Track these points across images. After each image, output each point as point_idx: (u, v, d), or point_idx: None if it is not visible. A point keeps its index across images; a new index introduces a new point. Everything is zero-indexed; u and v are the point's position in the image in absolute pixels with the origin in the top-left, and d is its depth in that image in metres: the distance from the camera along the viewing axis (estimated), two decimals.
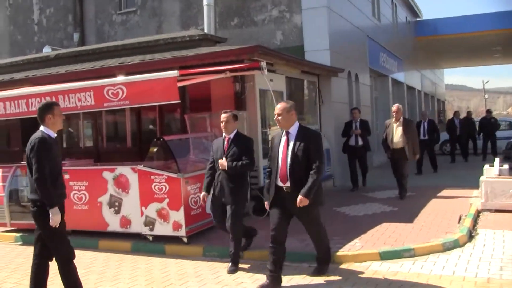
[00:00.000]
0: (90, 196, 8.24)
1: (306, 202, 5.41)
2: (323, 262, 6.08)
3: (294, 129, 5.63)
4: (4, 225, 9.05)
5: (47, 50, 15.39)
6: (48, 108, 5.13)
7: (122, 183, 7.99)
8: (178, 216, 7.47)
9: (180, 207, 7.44)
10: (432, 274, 5.83)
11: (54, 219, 4.87)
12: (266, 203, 5.86)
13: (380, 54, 18.99)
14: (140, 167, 7.82)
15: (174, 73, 7.28)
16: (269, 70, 8.47)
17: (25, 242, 8.47)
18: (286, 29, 13.45)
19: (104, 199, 8.13)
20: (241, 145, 6.48)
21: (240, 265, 6.42)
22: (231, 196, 6.38)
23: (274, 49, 11.16)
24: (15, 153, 11.67)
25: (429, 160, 15.20)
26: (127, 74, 8.68)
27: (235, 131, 6.60)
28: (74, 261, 5.18)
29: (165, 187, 7.55)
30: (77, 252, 7.56)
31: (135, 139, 11.90)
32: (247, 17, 13.87)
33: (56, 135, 5.21)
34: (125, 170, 8.01)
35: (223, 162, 6.41)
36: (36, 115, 5.22)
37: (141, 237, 7.84)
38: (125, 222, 7.99)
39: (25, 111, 8.22)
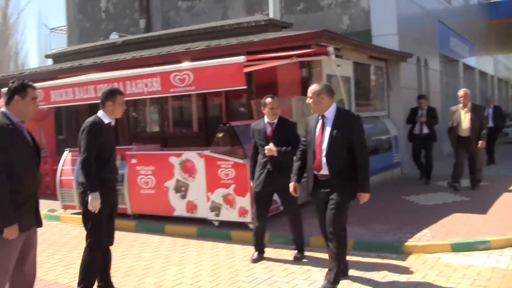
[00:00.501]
0: (157, 181, 8.35)
1: (368, 196, 5.07)
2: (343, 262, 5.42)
3: (330, 113, 5.17)
4: (73, 207, 9.30)
5: (114, 37, 15.73)
6: (111, 95, 5.12)
7: (188, 168, 8.04)
8: (244, 202, 7.45)
9: (246, 193, 7.40)
10: (509, 269, 5.51)
11: (93, 203, 4.85)
12: (292, 184, 5.56)
13: (450, 38, 18.25)
14: (207, 152, 7.85)
15: (241, 58, 7.19)
16: (336, 55, 8.26)
17: None
18: (352, 14, 13.13)
19: (171, 183, 8.21)
20: (287, 130, 6.21)
21: (306, 253, 6.32)
22: (283, 184, 6.00)
23: (340, 34, 10.91)
24: None
25: (486, 151, 12.92)
26: (193, 60, 8.72)
27: (278, 117, 6.34)
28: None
29: (232, 173, 7.54)
30: (143, 236, 7.87)
31: (201, 124, 12.00)
32: (313, 1, 13.63)
33: (113, 121, 5.17)
34: (191, 155, 8.04)
35: (271, 148, 6.09)
36: None
37: (207, 222, 7.88)
38: (191, 207, 8.05)
39: (93, 96, 8.31)
